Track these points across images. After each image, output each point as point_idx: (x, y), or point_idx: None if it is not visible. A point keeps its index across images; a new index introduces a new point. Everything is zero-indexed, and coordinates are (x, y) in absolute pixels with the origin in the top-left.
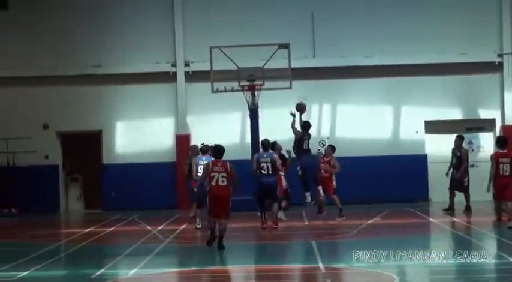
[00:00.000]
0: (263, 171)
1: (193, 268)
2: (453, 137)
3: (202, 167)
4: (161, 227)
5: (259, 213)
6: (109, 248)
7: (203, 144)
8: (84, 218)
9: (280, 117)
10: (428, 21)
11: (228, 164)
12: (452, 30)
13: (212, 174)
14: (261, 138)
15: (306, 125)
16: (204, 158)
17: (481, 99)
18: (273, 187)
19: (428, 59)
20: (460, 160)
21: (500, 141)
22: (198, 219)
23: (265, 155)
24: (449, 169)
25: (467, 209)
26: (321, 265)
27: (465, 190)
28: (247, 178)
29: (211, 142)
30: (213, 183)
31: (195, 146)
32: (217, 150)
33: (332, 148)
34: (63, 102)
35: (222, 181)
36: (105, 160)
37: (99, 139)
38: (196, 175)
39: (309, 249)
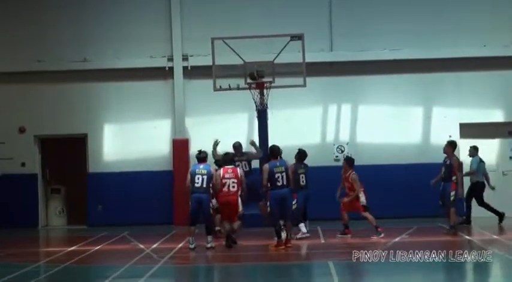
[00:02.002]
0: (278, 183)
1: None
2: (493, 142)
3: (200, 177)
4: (155, 245)
5: (276, 232)
6: (95, 270)
7: (200, 151)
8: (66, 234)
9: (292, 119)
10: (466, 9)
11: (238, 170)
12: (494, 20)
13: (224, 180)
14: (270, 143)
15: (301, 155)
16: (201, 166)
17: None
18: (289, 200)
19: (464, 53)
20: (449, 170)
21: None
22: (191, 239)
23: (278, 164)
24: (436, 180)
25: (452, 229)
26: None
27: (448, 205)
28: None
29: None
30: (225, 189)
31: (239, 143)
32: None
33: (348, 162)
34: (43, 102)
35: (233, 187)
36: (91, 169)
37: (84, 145)
38: (194, 186)
39: (326, 270)
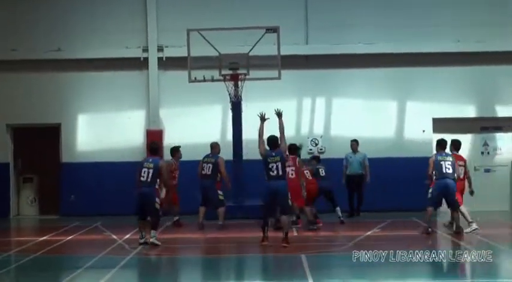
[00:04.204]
0: (271, 173)
1: None
2: (466, 137)
3: (146, 170)
4: (128, 236)
5: (261, 226)
6: (67, 260)
7: (153, 142)
8: (38, 224)
9: (266, 112)
10: (441, 4)
11: (297, 159)
12: (468, 15)
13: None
14: (244, 136)
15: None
16: (150, 159)
17: (499, 94)
18: (284, 193)
19: (439, 48)
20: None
21: None
22: (141, 233)
23: (273, 154)
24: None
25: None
26: None
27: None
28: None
29: (186, 139)
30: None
31: (217, 143)
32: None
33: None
34: (16, 90)
35: (292, 174)
36: (64, 158)
37: (58, 134)
38: (140, 180)
39: (298, 263)
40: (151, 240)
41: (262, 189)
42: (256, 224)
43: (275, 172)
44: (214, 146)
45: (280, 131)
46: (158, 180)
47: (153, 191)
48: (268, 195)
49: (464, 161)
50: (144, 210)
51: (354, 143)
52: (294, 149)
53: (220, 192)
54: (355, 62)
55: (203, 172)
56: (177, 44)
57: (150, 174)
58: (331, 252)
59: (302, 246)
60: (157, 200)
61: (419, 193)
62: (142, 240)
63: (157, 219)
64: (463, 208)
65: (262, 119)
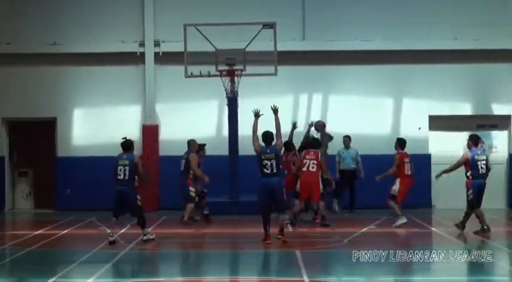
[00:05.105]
0: (266, 170)
1: (157, 279)
2: (462, 135)
3: (122, 168)
4: (123, 231)
5: (263, 225)
6: (61, 254)
7: (125, 138)
8: (33, 218)
9: (262, 108)
10: (439, 2)
11: (319, 153)
12: (466, 13)
13: (304, 161)
14: (240, 132)
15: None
16: (124, 156)
17: (495, 92)
18: (278, 189)
19: (436, 45)
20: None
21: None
22: (111, 231)
23: (268, 150)
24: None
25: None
26: (305, 278)
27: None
28: (225, 176)
29: (182, 135)
30: (304, 169)
31: (194, 141)
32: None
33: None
34: (12, 84)
35: (313, 167)
36: (60, 152)
37: (53, 128)
38: (116, 178)
39: (293, 259)
40: (144, 238)
41: (257, 186)
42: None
43: (269, 169)
44: (191, 144)
45: (276, 127)
46: (136, 177)
47: (133, 189)
48: (263, 193)
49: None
50: (125, 209)
51: (347, 139)
52: (316, 144)
53: (192, 188)
54: (352, 59)
55: (181, 168)
56: (174, 39)
57: (127, 172)
58: (326, 248)
59: (297, 242)
60: (138, 197)
61: (415, 190)
62: (112, 238)
63: (143, 217)
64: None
65: (257, 115)
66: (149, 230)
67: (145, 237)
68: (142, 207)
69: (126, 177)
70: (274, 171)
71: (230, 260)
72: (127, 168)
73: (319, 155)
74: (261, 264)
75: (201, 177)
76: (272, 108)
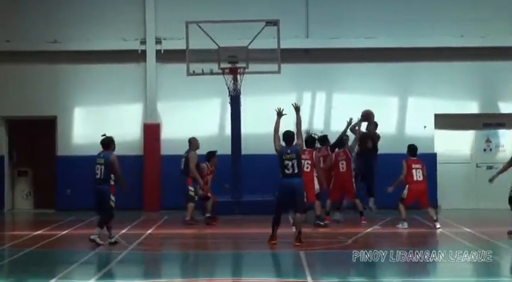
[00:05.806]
0: (287, 171)
1: (159, 280)
2: (468, 133)
3: (99, 167)
4: (124, 231)
5: (272, 224)
6: (62, 255)
7: (104, 135)
8: (33, 218)
9: (265, 106)
10: None
11: (313, 152)
12: (472, 10)
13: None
14: (243, 130)
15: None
16: (101, 154)
17: (502, 90)
18: (299, 191)
19: (441, 42)
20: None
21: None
22: (109, 233)
23: (289, 151)
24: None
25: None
26: (309, 279)
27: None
28: (227, 174)
29: (184, 133)
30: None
31: (195, 139)
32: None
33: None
34: (11, 82)
35: (307, 168)
36: (60, 152)
37: (53, 127)
38: (94, 178)
39: (297, 260)
40: (92, 237)
41: (277, 186)
42: (261, 221)
43: (290, 170)
44: (192, 142)
45: (297, 126)
46: (113, 176)
47: (108, 189)
48: (283, 193)
49: None
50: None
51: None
52: (312, 141)
53: (191, 188)
54: (355, 56)
55: (180, 167)
56: (176, 37)
57: (103, 171)
58: (330, 249)
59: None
60: (112, 198)
61: None
62: (113, 240)
63: (107, 218)
64: None
65: (279, 114)
66: (97, 231)
67: (93, 237)
68: (113, 207)
69: (102, 177)
70: (296, 171)
71: (233, 261)
72: (102, 167)
73: (314, 155)
74: (264, 265)
75: (196, 179)
76: (294, 106)
